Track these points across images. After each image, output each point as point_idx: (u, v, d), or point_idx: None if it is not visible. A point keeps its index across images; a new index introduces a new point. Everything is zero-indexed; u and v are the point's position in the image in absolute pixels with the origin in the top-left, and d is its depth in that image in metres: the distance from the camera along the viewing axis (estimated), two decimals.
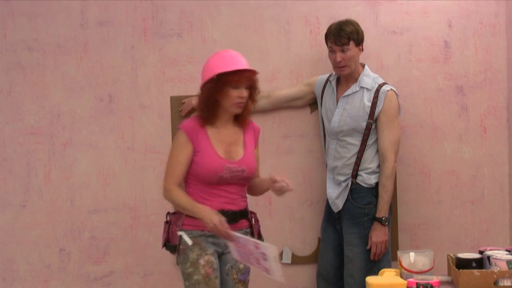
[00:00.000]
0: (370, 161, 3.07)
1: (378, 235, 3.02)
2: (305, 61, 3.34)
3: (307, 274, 3.37)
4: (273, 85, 3.34)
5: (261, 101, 3.21)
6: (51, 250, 3.43)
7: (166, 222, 2.72)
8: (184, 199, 2.62)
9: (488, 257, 2.27)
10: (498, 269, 2.20)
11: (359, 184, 3.07)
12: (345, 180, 3.09)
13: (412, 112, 3.34)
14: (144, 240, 3.35)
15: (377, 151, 3.06)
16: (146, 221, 3.36)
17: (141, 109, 3.38)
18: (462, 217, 3.36)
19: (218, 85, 2.57)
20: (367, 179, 3.06)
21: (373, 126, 3.04)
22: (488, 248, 2.40)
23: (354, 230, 3.07)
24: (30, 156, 3.42)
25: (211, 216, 2.51)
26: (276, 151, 3.38)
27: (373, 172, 3.06)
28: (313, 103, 3.34)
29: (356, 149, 3.07)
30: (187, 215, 2.62)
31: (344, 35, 3.01)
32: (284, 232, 3.39)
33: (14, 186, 3.42)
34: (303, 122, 3.38)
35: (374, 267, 2.99)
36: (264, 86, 3.33)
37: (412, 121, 3.34)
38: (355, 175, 3.07)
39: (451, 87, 3.34)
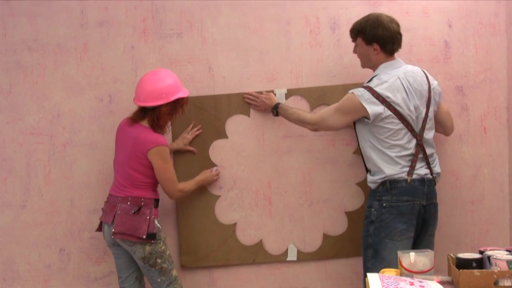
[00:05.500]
0: (367, 161, 3.00)
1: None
2: (305, 61, 3.34)
3: (309, 273, 3.37)
4: (273, 85, 3.34)
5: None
6: (51, 250, 3.43)
7: (137, 213, 3.03)
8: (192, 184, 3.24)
9: (488, 257, 2.27)
10: (498, 269, 2.20)
11: (368, 185, 3.02)
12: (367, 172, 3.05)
13: None
14: None
15: (366, 153, 2.96)
16: None
17: None
18: (462, 217, 3.36)
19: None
20: (369, 178, 2.99)
21: (356, 129, 2.99)
22: (488, 248, 2.40)
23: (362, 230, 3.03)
24: (30, 156, 3.42)
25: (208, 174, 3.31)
26: (276, 151, 3.37)
27: (371, 174, 2.97)
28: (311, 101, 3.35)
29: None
30: (156, 207, 3.11)
31: (351, 30, 3.01)
32: (284, 232, 3.38)
33: (14, 186, 3.42)
34: None
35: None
36: (264, 86, 3.35)
37: None
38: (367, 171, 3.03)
39: (451, 87, 3.34)
